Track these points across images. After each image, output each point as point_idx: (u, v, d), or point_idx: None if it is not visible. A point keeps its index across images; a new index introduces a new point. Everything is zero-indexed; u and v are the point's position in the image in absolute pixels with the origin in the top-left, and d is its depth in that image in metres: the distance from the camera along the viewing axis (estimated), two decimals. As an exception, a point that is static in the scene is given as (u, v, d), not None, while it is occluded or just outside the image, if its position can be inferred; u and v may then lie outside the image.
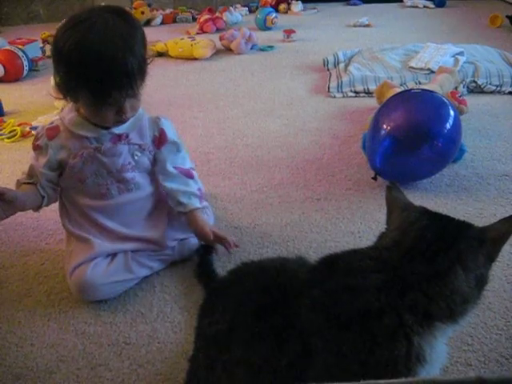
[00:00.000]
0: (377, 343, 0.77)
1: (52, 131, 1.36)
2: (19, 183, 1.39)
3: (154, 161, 1.44)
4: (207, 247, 1.49)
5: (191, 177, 1.48)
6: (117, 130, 1.36)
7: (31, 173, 1.38)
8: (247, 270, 1.06)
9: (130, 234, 1.44)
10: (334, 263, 0.89)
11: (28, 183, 1.38)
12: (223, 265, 1.48)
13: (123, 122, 1.33)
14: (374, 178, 1.83)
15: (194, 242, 1.51)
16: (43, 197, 1.39)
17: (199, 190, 1.48)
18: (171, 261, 1.51)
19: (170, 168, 1.44)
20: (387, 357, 0.77)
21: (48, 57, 3.86)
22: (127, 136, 1.38)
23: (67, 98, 1.30)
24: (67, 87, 1.27)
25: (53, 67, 1.28)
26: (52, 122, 1.39)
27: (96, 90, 1.23)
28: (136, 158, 1.40)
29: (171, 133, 1.45)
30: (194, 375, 0.98)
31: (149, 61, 1.33)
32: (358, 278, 0.82)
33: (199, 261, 1.47)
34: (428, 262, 0.82)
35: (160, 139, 1.42)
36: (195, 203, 1.45)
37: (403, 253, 0.84)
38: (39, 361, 1.22)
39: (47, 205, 1.43)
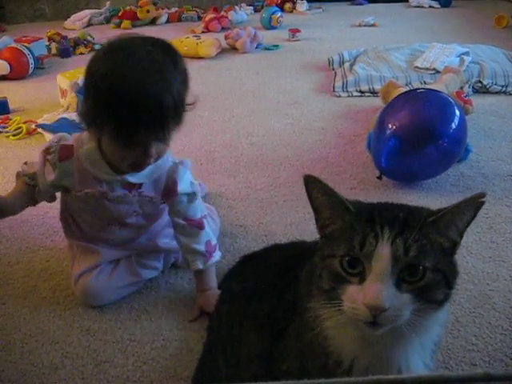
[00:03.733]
0: None
1: (66, 152, 1.26)
2: (19, 175, 1.34)
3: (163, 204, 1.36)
4: None
5: (202, 228, 1.35)
6: (131, 179, 1.25)
7: (34, 177, 1.31)
8: (279, 246, 1.13)
9: (127, 248, 1.43)
10: None
11: (28, 184, 1.32)
12: (228, 263, 1.48)
13: (144, 166, 1.22)
14: (379, 178, 1.83)
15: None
16: (37, 201, 1.36)
17: (208, 242, 1.36)
18: (175, 263, 1.50)
19: (179, 220, 1.34)
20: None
21: (53, 55, 3.88)
22: (140, 187, 1.28)
23: (90, 129, 1.19)
24: (93, 117, 1.15)
25: (83, 95, 1.18)
26: (69, 141, 1.30)
27: (122, 126, 1.11)
28: (145, 208, 1.33)
29: (184, 183, 1.31)
30: (216, 329, 1.04)
31: (188, 108, 1.21)
32: None
33: None
34: None
35: (169, 190, 1.30)
36: (198, 265, 1.33)
37: None
38: (44, 357, 1.22)
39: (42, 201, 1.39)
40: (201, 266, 1.34)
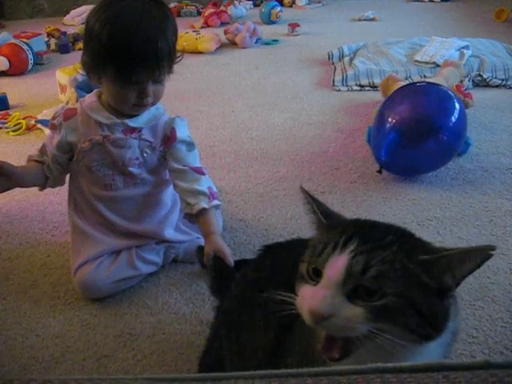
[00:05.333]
0: None
1: (69, 112, 1.36)
2: (29, 159, 1.41)
3: (164, 160, 1.41)
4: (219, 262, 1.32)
5: (203, 173, 1.41)
6: (131, 123, 1.34)
7: (42, 151, 1.39)
8: (303, 241, 1.12)
9: (132, 229, 1.43)
10: None
11: (37, 161, 1.39)
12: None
13: (143, 106, 1.32)
14: (379, 172, 1.83)
15: (200, 244, 1.48)
16: (47, 177, 1.39)
17: (209, 188, 1.40)
18: (175, 258, 1.50)
19: (179, 166, 1.39)
20: None
21: (53, 51, 3.88)
22: (140, 131, 1.36)
23: (91, 76, 1.31)
24: (94, 64, 1.27)
25: (83, 45, 1.31)
26: (72, 105, 1.42)
27: (122, 66, 1.22)
28: (145, 155, 1.37)
29: (182, 132, 1.40)
30: (226, 312, 1.03)
31: (179, 57, 1.34)
32: None
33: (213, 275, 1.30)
34: None
35: (169, 138, 1.38)
36: (202, 203, 1.36)
37: None
38: (45, 351, 1.22)
39: (53, 186, 1.43)
40: (205, 205, 1.36)
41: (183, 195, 1.39)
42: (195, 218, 1.39)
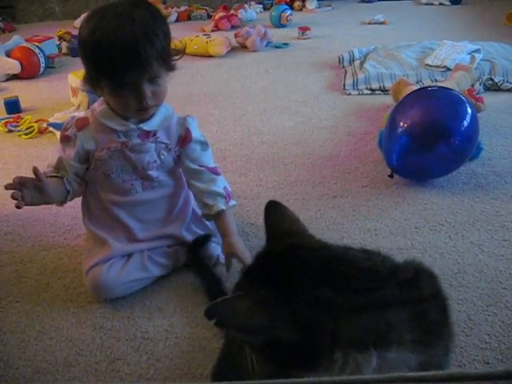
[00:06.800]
0: None
1: (81, 122, 1.35)
2: (45, 176, 1.34)
3: (179, 159, 1.43)
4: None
5: (218, 174, 1.44)
6: (145, 127, 1.35)
7: (59, 165, 1.36)
8: None
9: (148, 235, 1.44)
10: None
11: (54, 176, 1.35)
12: (238, 264, 1.48)
13: (146, 109, 1.30)
14: (391, 176, 1.83)
15: (213, 246, 1.50)
16: (68, 191, 1.37)
17: (225, 188, 1.43)
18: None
19: (195, 166, 1.41)
20: None
21: (64, 54, 3.91)
22: (155, 134, 1.37)
23: (94, 88, 1.31)
24: (90, 77, 1.27)
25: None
26: (82, 114, 1.41)
27: (110, 73, 1.22)
28: (162, 157, 1.39)
29: (196, 132, 1.42)
30: None
31: (176, 55, 1.35)
32: None
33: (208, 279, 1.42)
34: None
35: (185, 138, 1.40)
36: (220, 205, 1.39)
37: None
38: (58, 354, 1.23)
39: (71, 199, 1.41)
40: (223, 207, 1.40)
41: (200, 196, 1.42)
42: (213, 218, 1.42)
